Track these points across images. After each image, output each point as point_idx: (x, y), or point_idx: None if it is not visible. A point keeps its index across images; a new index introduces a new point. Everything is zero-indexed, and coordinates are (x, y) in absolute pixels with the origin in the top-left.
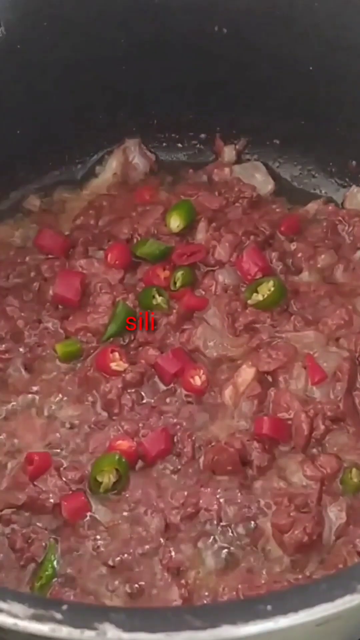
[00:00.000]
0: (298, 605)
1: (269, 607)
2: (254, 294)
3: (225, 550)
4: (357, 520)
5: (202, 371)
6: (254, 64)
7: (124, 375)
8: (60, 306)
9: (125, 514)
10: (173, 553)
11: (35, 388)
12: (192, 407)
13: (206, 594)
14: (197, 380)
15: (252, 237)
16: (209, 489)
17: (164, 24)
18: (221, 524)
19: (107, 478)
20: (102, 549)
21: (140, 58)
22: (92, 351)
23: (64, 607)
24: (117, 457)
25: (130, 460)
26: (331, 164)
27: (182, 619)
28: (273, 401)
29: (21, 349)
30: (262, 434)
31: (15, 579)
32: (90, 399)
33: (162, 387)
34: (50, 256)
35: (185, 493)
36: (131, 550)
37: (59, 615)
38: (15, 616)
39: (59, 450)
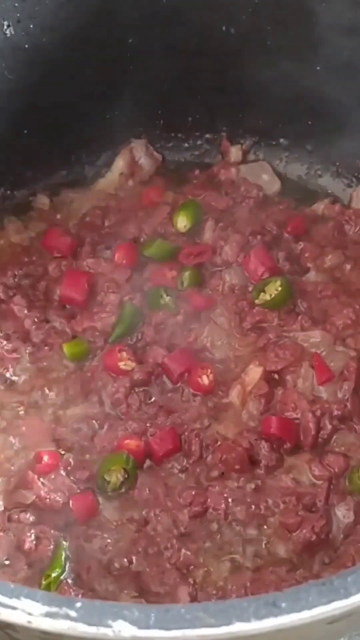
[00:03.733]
0: (312, 602)
1: (283, 604)
2: (261, 294)
3: (234, 549)
4: None
5: (209, 370)
6: (260, 63)
7: (131, 374)
8: (67, 306)
9: (133, 513)
10: (181, 552)
11: (42, 387)
12: (200, 406)
13: (214, 592)
14: (205, 380)
15: (259, 237)
16: (216, 488)
17: (171, 23)
18: (229, 523)
19: (115, 477)
20: (110, 548)
21: (147, 58)
22: (99, 351)
23: (78, 604)
24: (124, 456)
25: (138, 459)
26: (338, 163)
27: (196, 616)
28: (280, 400)
29: (28, 349)
30: (270, 434)
31: (22, 579)
32: (97, 398)
33: (170, 386)
34: (57, 255)
35: (193, 492)
36: (139, 550)
37: (73, 613)
38: (29, 614)
39: (66, 450)
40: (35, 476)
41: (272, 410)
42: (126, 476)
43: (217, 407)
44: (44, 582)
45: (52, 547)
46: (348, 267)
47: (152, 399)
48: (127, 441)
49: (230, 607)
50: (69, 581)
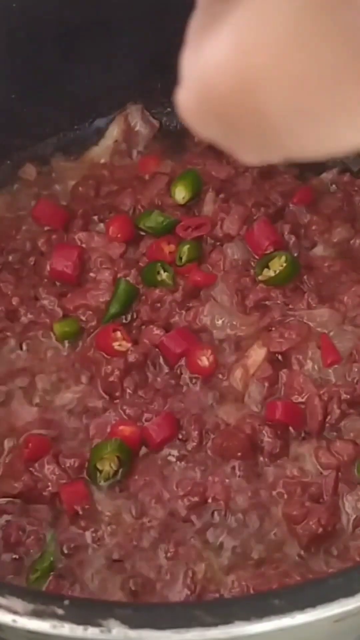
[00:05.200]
0: (316, 600)
1: (284, 602)
2: (265, 270)
3: (235, 542)
4: None
5: (209, 352)
6: None
7: (126, 355)
8: (58, 283)
9: (127, 503)
10: (179, 545)
11: (31, 370)
12: (199, 390)
13: (214, 588)
14: (205, 362)
15: (262, 209)
16: (217, 477)
17: None
18: (230, 514)
19: (108, 466)
20: (103, 540)
21: (143, 17)
22: (92, 330)
23: (66, 602)
24: (118, 444)
25: (133, 446)
26: None
27: (191, 614)
28: (285, 384)
29: (16, 328)
30: (274, 419)
31: (9, 573)
32: (90, 381)
33: (167, 368)
34: (47, 229)
35: (192, 481)
36: (134, 542)
37: (60, 611)
38: (14, 612)
39: (56, 436)
40: (23, 460)
41: (277, 394)
42: (120, 465)
43: (217, 390)
44: (32, 577)
45: (41, 539)
46: (357, 241)
47: (148, 383)
48: (121, 427)
49: (228, 605)
50: (59, 576)
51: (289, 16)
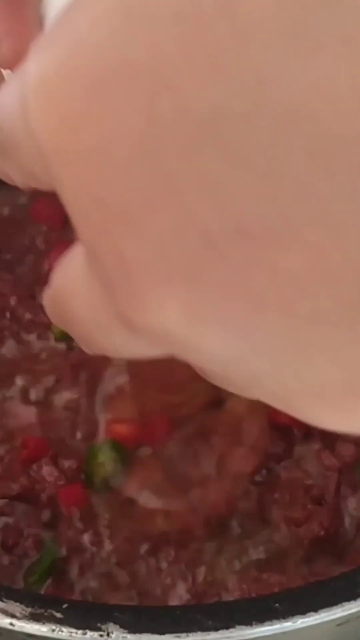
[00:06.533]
0: (318, 604)
1: (286, 606)
2: None
3: (236, 545)
4: None
5: None
6: None
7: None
8: None
9: (126, 506)
10: (180, 549)
11: (29, 369)
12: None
13: (215, 592)
14: None
15: None
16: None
17: None
18: (232, 516)
19: (106, 467)
20: (102, 543)
21: None
22: None
23: (65, 605)
24: (116, 444)
25: (131, 446)
26: None
27: (192, 618)
28: None
29: (14, 328)
30: (279, 422)
31: (6, 577)
32: (88, 380)
33: None
34: (45, 227)
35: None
36: (134, 546)
37: (59, 615)
38: (11, 615)
39: (54, 437)
40: (20, 462)
41: None
42: (118, 465)
43: (219, 391)
44: (30, 580)
45: (39, 542)
46: None
47: None
48: (119, 426)
49: (230, 609)
50: (58, 579)
51: None
